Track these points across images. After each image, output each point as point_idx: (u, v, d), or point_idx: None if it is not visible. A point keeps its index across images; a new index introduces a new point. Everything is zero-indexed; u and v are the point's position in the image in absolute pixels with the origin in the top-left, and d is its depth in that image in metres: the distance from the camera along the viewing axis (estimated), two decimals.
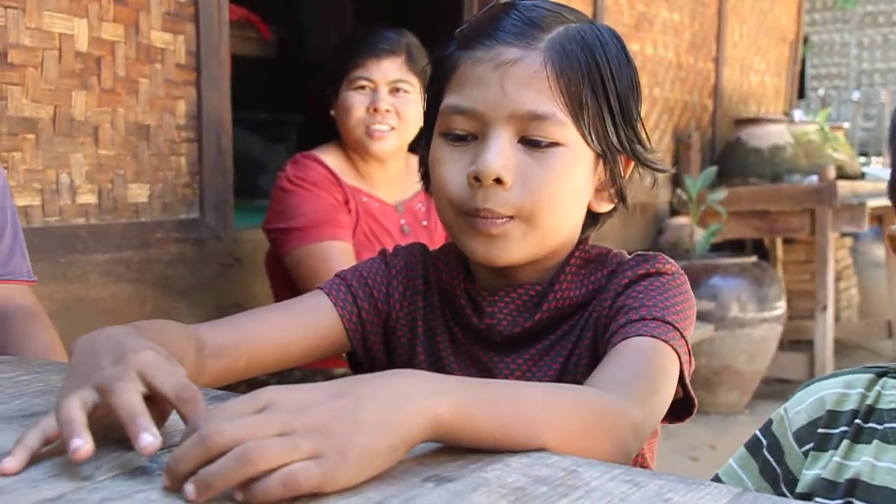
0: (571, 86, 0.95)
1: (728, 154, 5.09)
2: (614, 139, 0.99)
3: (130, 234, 2.22)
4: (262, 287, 2.36)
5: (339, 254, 2.01)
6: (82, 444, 0.64)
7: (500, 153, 0.94)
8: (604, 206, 1.04)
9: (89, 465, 0.67)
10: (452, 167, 0.98)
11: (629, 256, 1.03)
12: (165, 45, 2.27)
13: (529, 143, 0.95)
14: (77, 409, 0.67)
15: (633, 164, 1.03)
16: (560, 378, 1.01)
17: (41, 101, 1.99)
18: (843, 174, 4.69)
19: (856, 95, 11.06)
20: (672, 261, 1.02)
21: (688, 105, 5.11)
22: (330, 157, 2.16)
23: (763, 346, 4.17)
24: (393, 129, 2.10)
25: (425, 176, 1.09)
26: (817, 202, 4.27)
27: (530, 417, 0.73)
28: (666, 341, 0.90)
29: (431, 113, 1.04)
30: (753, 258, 4.34)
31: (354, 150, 2.16)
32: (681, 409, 0.96)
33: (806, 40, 7.45)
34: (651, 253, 1.03)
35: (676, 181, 4.79)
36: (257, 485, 0.59)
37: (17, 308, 1.34)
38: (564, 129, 0.95)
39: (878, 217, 5.02)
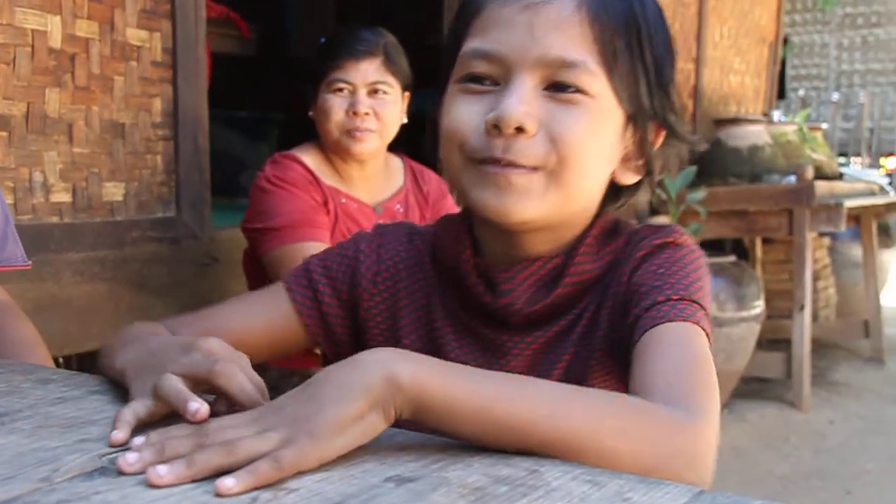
0: (606, 34, 0.87)
1: (707, 154, 5.10)
2: (646, 102, 0.91)
3: (105, 233, 2.21)
4: (240, 286, 2.35)
5: None
6: (200, 405, 0.69)
7: (524, 100, 0.86)
8: (629, 178, 0.96)
9: (46, 466, 0.66)
10: (468, 110, 0.90)
11: (642, 225, 0.98)
12: (141, 43, 2.26)
13: (556, 89, 0.87)
14: (180, 382, 0.72)
15: (663, 135, 0.96)
16: (574, 360, 0.95)
17: (13, 99, 1.97)
18: (821, 174, 4.71)
19: (835, 96, 11.14)
20: (686, 232, 0.96)
21: None
22: (309, 158, 2.16)
23: (741, 345, 4.19)
24: (373, 131, 2.10)
25: (433, 137, 0.99)
26: (795, 202, 4.29)
27: (543, 405, 0.68)
28: (696, 322, 0.85)
29: (448, 65, 0.95)
30: (732, 258, 4.36)
31: (334, 151, 2.16)
32: None
33: (786, 41, 7.49)
34: (664, 223, 0.97)
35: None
36: (241, 471, 0.62)
37: None
38: (595, 80, 0.87)
39: (856, 217, 5.06)
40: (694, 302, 0.87)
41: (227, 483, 0.61)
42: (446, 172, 0.95)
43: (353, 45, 2.11)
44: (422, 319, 1.02)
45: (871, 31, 13.08)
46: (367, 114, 2.08)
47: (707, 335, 0.86)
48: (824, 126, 6.13)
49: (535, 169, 0.88)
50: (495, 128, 0.87)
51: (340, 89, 2.10)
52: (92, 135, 2.16)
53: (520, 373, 0.94)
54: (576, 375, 0.94)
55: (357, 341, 1.05)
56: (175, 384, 0.72)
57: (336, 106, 2.09)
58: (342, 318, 1.05)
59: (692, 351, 0.82)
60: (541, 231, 0.93)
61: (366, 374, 0.67)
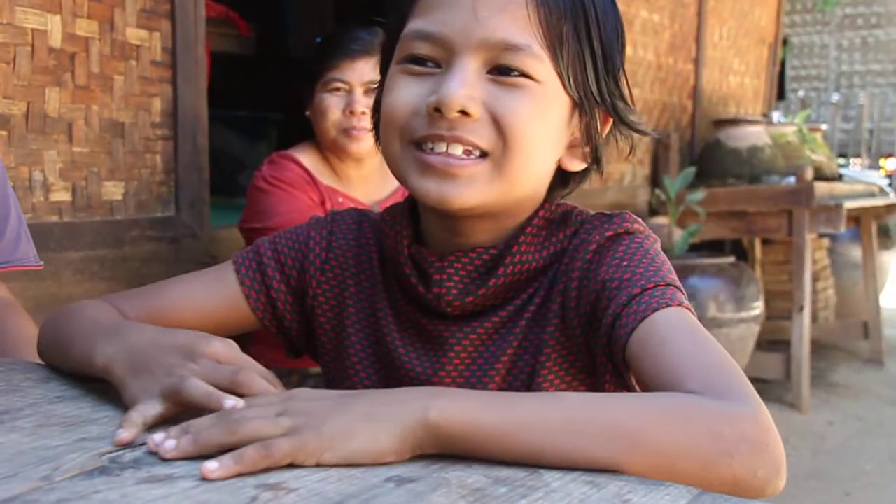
0: (552, 18, 0.86)
1: (707, 155, 5.11)
2: (594, 87, 0.89)
3: (105, 232, 2.21)
4: None
5: None
6: (236, 401, 0.71)
7: (466, 83, 0.84)
8: (576, 165, 0.94)
9: (46, 465, 0.66)
10: (408, 93, 0.87)
11: (592, 214, 0.95)
12: (141, 42, 2.26)
13: (500, 73, 0.85)
14: (203, 384, 0.74)
15: (610, 122, 0.94)
16: (519, 354, 0.92)
17: (13, 98, 1.97)
18: (820, 175, 4.72)
19: (835, 97, 11.15)
20: (638, 218, 0.93)
21: (667, 106, 5.13)
22: (306, 157, 2.16)
23: (740, 345, 4.19)
24: (370, 129, 2.10)
25: (376, 123, 0.98)
26: (794, 203, 4.30)
27: (580, 416, 0.67)
28: (679, 303, 0.82)
29: (388, 46, 0.94)
30: (731, 259, 4.36)
31: (331, 150, 2.16)
32: None
33: (786, 42, 7.49)
34: (614, 212, 0.94)
35: (655, 181, 4.81)
36: (236, 452, 0.64)
37: None
38: (540, 65, 0.86)
39: (856, 218, 5.06)
40: (669, 285, 0.84)
41: (210, 466, 0.62)
42: (385, 155, 0.93)
43: (349, 44, 2.11)
44: (366, 309, 1.00)
45: (871, 33, 13.09)
46: (363, 113, 2.08)
47: (692, 312, 0.84)
48: (824, 127, 6.14)
49: (483, 156, 0.86)
50: (437, 111, 0.84)
51: (337, 89, 2.10)
52: (91, 134, 2.16)
53: (462, 365, 0.93)
54: (523, 369, 0.92)
55: (305, 328, 1.04)
56: (203, 386, 0.74)
57: (332, 105, 2.09)
58: (290, 304, 1.03)
59: (698, 335, 0.80)
60: (484, 218, 0.91)
61: (399, 410, 0.68)
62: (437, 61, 0.87)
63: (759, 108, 6.30)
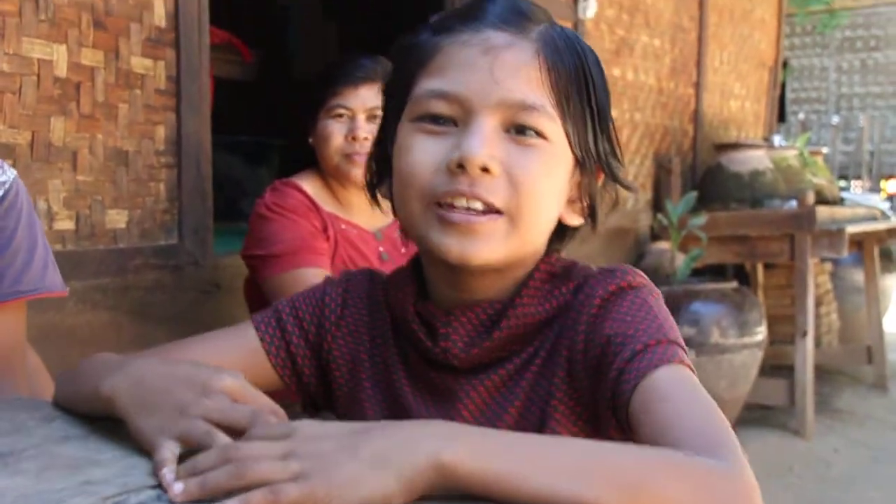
0: (561, 81, 0.90)
1: (708, 179, 5.12)
2: (592, 147, 0.94)
3: (108, 261, 2.21)
4: (242, 314, 2.34)
5: (317, 281, 1.99)
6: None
7: (487, 141, 0.87)
8: (574, 219, 0.98)
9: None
10: (427, 152, 0.90)
11: (595, 269, 0.97)
12: (145, 71, 2.27)
13: (516, 132, 0.89)
14: (213, 429, 0.75)
15: (602, 178, 0.98)
16: (528, 406, 0.94)
17: (19, 127, 1.98)
18: (822, 199, 4.72)
19: (835, 119, 11.18)
20: (639, 271, 0.96)
21: (668, 130, 5.14)
22: (308, 184, 2.16)
23: (744, 371, 4.18)
24: None
25: (378, 173, 1.01)
26: (796, 228, 4.29)
27: (603, 475, 0.67)
28: (680, 361, 0.85)
29: (395, 104, 0.97)
30: (734, 284, 4.35)
31: (333, 177, 2.16)
32: None
33: (786, 65, 7.52)
34: (616, 266, 0.97)
35: (657, 206, 4.81)
36: (242, 496, 0.64)
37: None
38: (552, 124, 0.90)
39: (858, 242, 5.06)
40: (671, 342, 0.87)
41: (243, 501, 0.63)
42: (402, 212, 0.95)
43: (352, 71, 2.12)
44: (380, 364, 1.02)
45: (870, 55, 13.15)
46: (366, 138, 2.08)
47: (692, 372, 0.86)
48: (825, 151, 6.15)
49: (498, 213, 0.89)
50: (459, 167, 0.87)
51: (340, 115, 2.10)
52: (96, 162, 2.16)
53: (471, 418, 0.95)
54: (533, 420, 0.94)
55: (322, 383, 1.06)
56: (221, 437, 0.74)
57: (335, 131, 2.10)
58: (309, 360, 1.05)
59: (695, 393, 0.82)
60: (491, 273, 0.94)
61: (410, 447, 0.67)
62: (454, 119, 0.90)
63: (759, 132, 6.32)
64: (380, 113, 2.05)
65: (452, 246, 0.89)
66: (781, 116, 7.50)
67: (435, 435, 0.69)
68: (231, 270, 2.50)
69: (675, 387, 0.82)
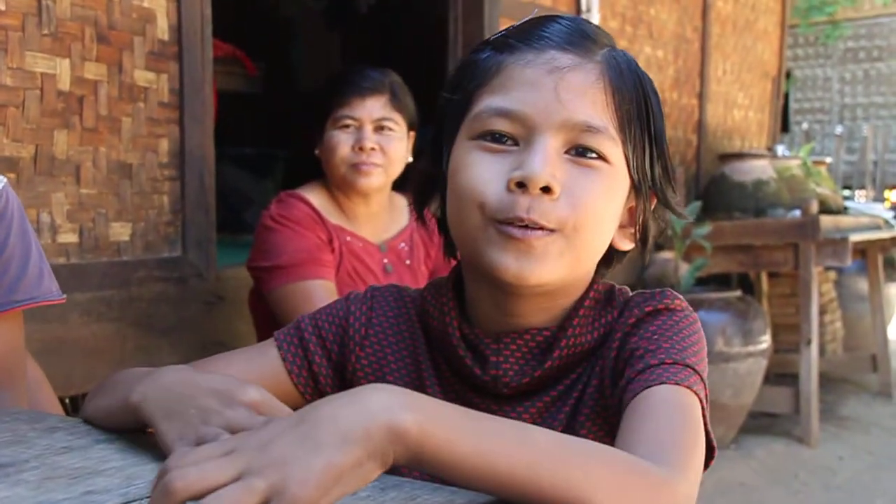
0: (623, 104, 0.90)
1: (712, 189, 5.12)
2: (649, 172, 0.93)
3: (112, 273, 2.21)
4: (246, 325, 2.35)
5: (322, 293, 2.00)
6: None
7: (549, 161, 0.87)
8: (626, 244, 0.97)
9: None
10: (488, 170, 0.89)
11: (633, 293, 0.97)
12: (148, 84, 2.28)
13: (577, 154, 0.89)
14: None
15: (654, 203, 0.97)
16: (568, 428, 0.94)
17: (22, 141, 1.99)
18: (826, 208, 4.72)
19: (839, 129, 11.16)
20: (680, 296, 0.95)
21: (672, 140, 5.14)
22: (314, 196, 2.16)
23: (748, 380, 4.17)
24: (378, 166, 2.11)
25: (426, 192, 1.00)
26: (800, 237, 4.29)
27: (540, 459, 0.67)
28: (689, 387, 0.84)
29: (453, 122, 0.95)
30: (738, 292, 4.35)
31: (339, 188, 2.16)
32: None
33: (789, 75, 7.53)
34: (657, 290, 0.96)
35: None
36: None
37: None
38: (614, 147, 0.90)
39: (862, 251, 5.05)
40: (687, 366, 0.86)
41: None
42: (457, 230, 0.94)
43: (360, 82, 2.13)
44: (410, 385, 1.00)
45: (873, 65, 13.15)
46: (373, 149, 2.09)
47: (700, 400, 0.85)
48: (829, 160, 6.15)
49: (552, 231, 0.87)
50: (519, 186, 0.86)
51: (347, 126, 2.11)
52: (99, 176, 2.17)
53: None
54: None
55: None
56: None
57: (342, 142, 2.10)
58: (331, 379, 1.03)
59: (680, 414, 0.82)
60: (541, 297, 0.93)
61: (368, 418, 0.63)
62: (516, 138, 0.89)
63: (763, 142, 6.32)
64: (387, 124, 2.10)
65: (511, 264, 0.88)
66: (785, 126, 7.50)
67: (385, 402, 0.65)
68: (235, 282, 2.50)
69: (665, 406, 0.82)
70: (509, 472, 0.66)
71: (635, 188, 0.94)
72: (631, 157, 0.91)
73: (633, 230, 0.97)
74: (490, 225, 0.88)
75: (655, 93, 0.95)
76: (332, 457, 0.61)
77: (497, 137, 0.90)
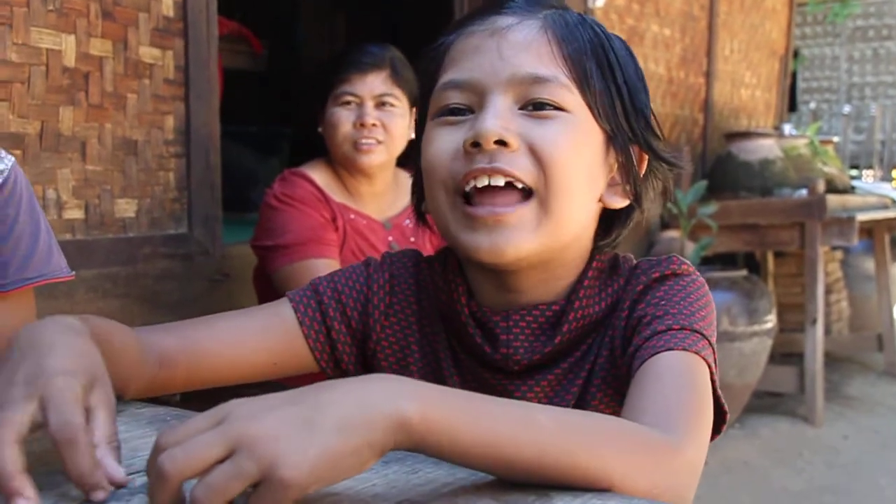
0: (575, 54, 0.88)
1: (719, 168, 5.10)
2: (623, 122, 0.91)
3: (118, 250, 2.22)
4: (251, 302, 2.35)
5: (326, 271, 1.99)
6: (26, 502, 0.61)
7: (500, 115, 0.86)
8: (617, 202, 0.94)
9: None
10: (445, 140, 0.89)
11: (640, 260, 0.96)
12: (154, 61, 2.27)
13: (533, 107, 0.87)
14: (17, 453, 0.63)
15: (647, 159, 0.95)
16: (581, 399, 0.93)
17: (28, 117, 1.99)
18: (832, 188, 4.70)
19: (846, 109, 11.11)
20: (686, 261, 0.94)
21: (679, 119, 5.12)
22: (318, 174, 2.16)
23: (754, 359, 4.17)
24: (380, 142, 2.10)
25: (419, 189, 0.98)
26: (807, 216, 4.28)
27: (545, 441, 0.66)
28: (697, 352, 0.83)
29: (423, 112, 0.96)
30: (744, 272, 4.34)
31: (342, 165, 2.16)
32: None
33: (797, 54, 7.48)
34: (664, 256, 0.95)
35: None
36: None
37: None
38: (569, 94, 0.88)
39: (869, 231, 5.04)
40: (696, 332, 0.86)
41: None
42: (434, 216, 0.93)
43: (360, 58, 2.12)
44: (430, 355, 0.99)
45: (882, 44, 13.06)
46: (374, 125, 2.09)
47: (709, 365, 0.85)
48: (836, 139, 6.12)
49: (527, 198, 0.86)
50: (474, 146, 0.86)
51: (348, 102, 2.10)
52: (105, 152, 2.17)
53: None
54: (583, 409, 0.93)
55: (364, 370, 1.01)
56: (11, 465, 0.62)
57: (343, 118, 2.10)
58: (349, 346, 1.00)
59: (687, 379, 0.82)
60: (533, 270, 0.92)
61: (369, 406, 0.61)
62: (471, 107, 0.89)
63: (770, 121, 6.29)
64: (388, 100, 2.10)
65: (482, 243, 0.87)
66: (792, 106, 7.47)
67: (391, 392, 0.63)
68: (240, 259, 2.51)
69: (671, 371, 0.82)
70: (515, 457, 0.65)
71: (611, 140, 0.92)
72: (596, 106, 0.89)
73: (625, 187, 0.94)
74: (457, 203, 0.88)
75: (626, 49, 0.94)
76: (328, 442, 0.58)
77: (454, 110, 0.90)
